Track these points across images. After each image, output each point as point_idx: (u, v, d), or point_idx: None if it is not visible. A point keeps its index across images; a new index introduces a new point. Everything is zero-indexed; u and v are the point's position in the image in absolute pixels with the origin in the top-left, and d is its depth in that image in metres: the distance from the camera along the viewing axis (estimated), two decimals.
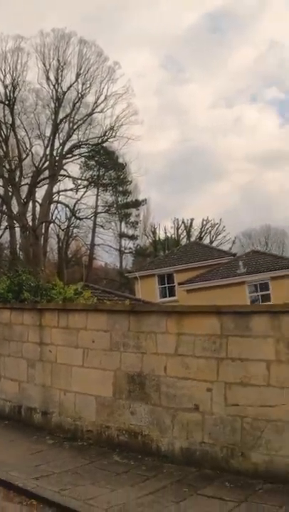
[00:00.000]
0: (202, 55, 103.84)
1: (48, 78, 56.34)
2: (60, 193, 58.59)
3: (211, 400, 7.94)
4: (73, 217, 59.97)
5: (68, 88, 56.71)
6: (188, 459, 8.03)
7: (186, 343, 8.29)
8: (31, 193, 55.95)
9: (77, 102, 57.10)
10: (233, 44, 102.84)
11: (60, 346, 10.05)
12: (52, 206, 57.98)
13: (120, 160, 62.38)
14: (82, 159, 61.38)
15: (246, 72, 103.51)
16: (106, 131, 58.34)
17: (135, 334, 8.94)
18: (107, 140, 59.22)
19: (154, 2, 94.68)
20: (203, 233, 64.36)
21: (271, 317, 7.66)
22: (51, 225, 58.54)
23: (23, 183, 56.17)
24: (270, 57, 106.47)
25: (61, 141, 57.70)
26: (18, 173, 55.74)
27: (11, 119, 55.20)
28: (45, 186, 56.75)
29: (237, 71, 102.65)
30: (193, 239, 61.37)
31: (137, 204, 65.77)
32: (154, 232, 66.11)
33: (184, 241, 62.28)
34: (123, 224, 65.40)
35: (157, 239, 65.86)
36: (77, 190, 59.27)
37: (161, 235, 65.86)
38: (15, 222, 55.05)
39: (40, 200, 56.24)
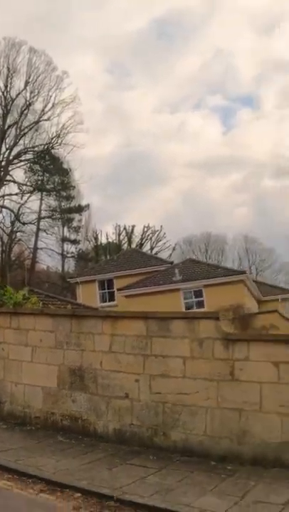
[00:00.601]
0: (148, 60, 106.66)
1: None
2: (5, 198, 59.57)
3: (138, 389, 9.69)
4: (17, 222, 60.89)
5: (17, 95, 58.07)
6: (120, 438, 9.74)
7: (118, 342, 10.03)
8: None
9: (25, 109, 58.49)
10: (179, 50, 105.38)
11: (12, 345, 11.54)
12: None
13: (65, 165, 63.83)
14: (28, 164, 62.54)
15: (191, 78, 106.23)
16: (52, 139, 59.80)
17: (76, 334, 10.60)
18: (52, 147, 60.64)
19: (101, 6, 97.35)
20: (144, 240, 66.05)
21: (187, 322, 9.52)
22: None
23: None
24: (215, 64, 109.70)
25: (8, 146, 58.70)
26: None
27: None
28: None
29: (182, 77, 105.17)
30: (134, 245, 62.96)
31: (79, 209, 67.11)
32: (96, 238, 67.51)
33: (125, 246, 63.83)
34: (66, 228, 66.62)
35: (99, 243, 67.23)
36: (22, 195, 60.34)
37: (103, 240, 67.34)
38: None
39: None
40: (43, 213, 64.14)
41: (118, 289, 36.80)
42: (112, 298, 38.64)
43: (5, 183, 58.80)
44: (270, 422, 8.79)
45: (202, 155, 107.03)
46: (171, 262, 41.03)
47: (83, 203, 67.55)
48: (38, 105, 59.18)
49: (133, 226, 65.97)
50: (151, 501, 6.96)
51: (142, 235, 65.87)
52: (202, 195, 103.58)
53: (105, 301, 38.39)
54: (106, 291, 39.54)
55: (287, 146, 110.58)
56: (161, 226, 65.84)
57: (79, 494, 7.25)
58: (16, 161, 60.22)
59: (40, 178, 64.20)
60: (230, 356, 9.15)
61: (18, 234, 62.83)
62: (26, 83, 57.95)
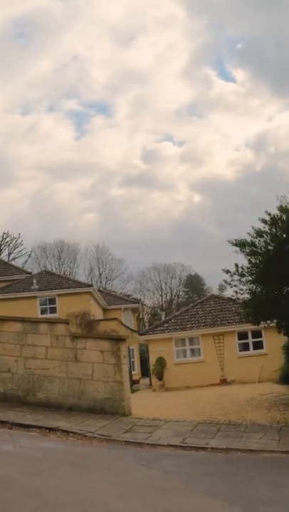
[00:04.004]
0: (2, 58, 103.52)
1: None
2: None
3: (17, 366, 15.19)
4: None
5: None
6: (4, 398, 15.08)
7: (4, 336, 15.46)
8: None
9: None
10: (35, 52, 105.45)
11: None
12: None
13: None
14: None
15: (46, 81, 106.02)
16: None
17: None
18: None
19: None
20: (2, 246, 68.92)
21: (49, 324, 15.32)
22: None
23: None
24: (71, 69, 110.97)
25: None
26: None
27: None
28: None
29: (37, 79, 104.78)
30: None
31: None
32: None
33: None
34: None
35: None
36: None
37: None
38: None
39: None
40: None
41: None
42: None
43: None
44: (97, 386, 14.79)
45: (52, 158, 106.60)
46: (30, 273, 45.93)
47: None
48: None
49: None
50: (32, 422, 12.72)
51: (0, 242, 68.48)
52: (50, 199, 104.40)
53: None
54: None
55: (136, 155, 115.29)
56: (19, 234, 68.72)
57: None
58: None
59: None
60: (75, 346, 15.02)
61: None
62: None
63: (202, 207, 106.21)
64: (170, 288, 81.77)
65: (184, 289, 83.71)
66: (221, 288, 59.64)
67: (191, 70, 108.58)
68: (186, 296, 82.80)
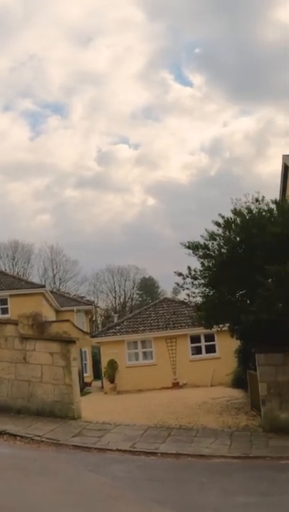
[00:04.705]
0: None
1: None
2: None
3: None
4: None
5: None
6: None
7: None
8: None
9: None
10: None
11: None
12: None
13: None
14: None
15: (2, 80, 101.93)
16: None
17: None
18: None
19: None
20: None
21: None
22: None
23: None
24: (27, 69, 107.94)
25: None
26: None
27: None
28: None
29: None
30: None
31: None
32: None
33: None
34: None
35: None
36: None
37: None
38: None
39: None
40: None
41: None
42: None
43: None
44: (47, 389, 14.51)
45: (6, 158, 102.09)
46: None
47: None
48: None
49: None
50: None
51: None
52: (3, 199, 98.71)
53: None
54: None
55: (91, 157, 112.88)
56: None
57: None
58: None
59: None
60: (24, 348, 14.70)
61: None
62: None
63: (156, 210, 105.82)
64: (124, 290, 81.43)
65: (137, 291, 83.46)
66: (175, 291, 59.66)
67: (148, 73, 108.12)
68: (140, 298, 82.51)
